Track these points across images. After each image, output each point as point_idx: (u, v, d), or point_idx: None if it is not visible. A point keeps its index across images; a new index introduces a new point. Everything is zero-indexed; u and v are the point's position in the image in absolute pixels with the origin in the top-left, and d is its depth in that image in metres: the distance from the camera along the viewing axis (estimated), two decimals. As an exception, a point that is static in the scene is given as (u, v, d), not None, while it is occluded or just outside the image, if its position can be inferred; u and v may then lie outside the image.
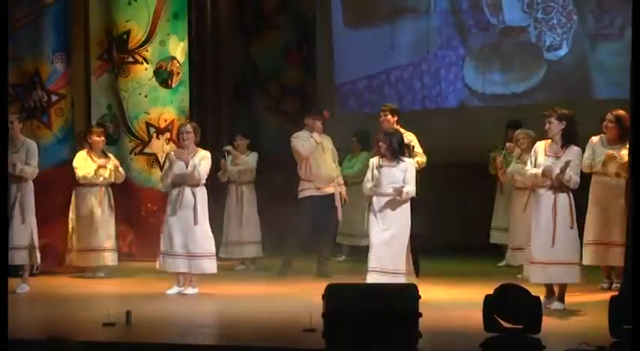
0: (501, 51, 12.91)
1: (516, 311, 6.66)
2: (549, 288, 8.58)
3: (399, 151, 9.20)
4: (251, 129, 12.62)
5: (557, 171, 8.33)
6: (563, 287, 8.52)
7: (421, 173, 9.62)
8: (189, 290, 9.55)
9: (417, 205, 9.35)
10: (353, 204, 11.06)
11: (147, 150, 12.04)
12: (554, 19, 12.76)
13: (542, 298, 7.58)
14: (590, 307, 8.43)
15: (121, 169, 10.84)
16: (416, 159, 9.69)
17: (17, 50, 10.97)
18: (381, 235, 9.06)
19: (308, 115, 10.85)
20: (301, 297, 8.98)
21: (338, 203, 10.75)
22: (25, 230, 9.78)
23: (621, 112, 9.17)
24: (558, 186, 8.40)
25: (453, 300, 9.07)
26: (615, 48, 12.06)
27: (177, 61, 12.01)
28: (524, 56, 12.79)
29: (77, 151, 10.89)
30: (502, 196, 11.41)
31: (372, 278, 8.91)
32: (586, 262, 9.10)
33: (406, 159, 9.28)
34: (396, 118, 10.16)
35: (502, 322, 6.69)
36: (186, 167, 9.39)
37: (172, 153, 9.78)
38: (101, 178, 10.66)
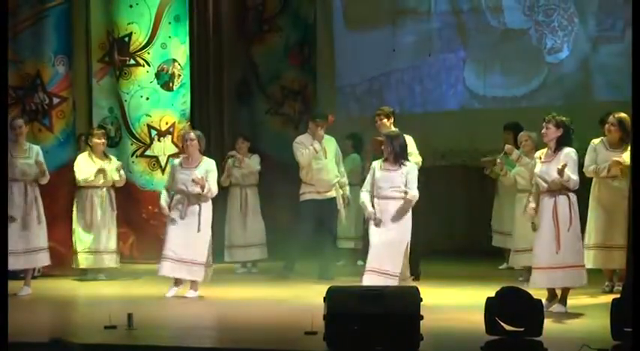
0: (502, 53, 12.91)
1: (518, 314, 6.65)
2: (552, 291, 8.58)
3: (400, 154, 9.22)
4: (252, 131, 12.63)
5: (554, 175, 8.36)
6: (566, 290, 8.52)
7: (421, 176, 9.62)
8: (191, 293, 9.55)
9: (418, 207, 9.34)
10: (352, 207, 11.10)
11: (148, 152, 12.05)
12: (555, 21, 12.77)
13: (544, 300, 7.60)
14: (592, 309, 8.43)
15: (122, 171, 10.83)
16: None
17: (19, 53, 10.98)
18: (381, 237, 9.07)
19: (312, 120, 10.86)
20: (302, 299, 8.99)
21: (341, 207, 10.75)
22: (42, 233, 9.85)
23: (623, 114, 9.18)
24: (557, 189, 8.43)
25: (455, 303, 9.06)
26: (617, 50, 12.06)
27: (179, 64, 12.01)
28: (525, 59, 12.79)
29: (78, 154, 10.90)
30: (500, 199, 11.41)
31: (369, 279, 8.90)
32: (589, 265, 9.10)
33: (407, 163, 9.29)
34: (391, 121, 10.17)
35: (503, 325, 6.69)
36: (202, 190, 9.35)
37: (177, 162, 9.74)
38: (101, 181, 10.67)
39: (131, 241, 11.95)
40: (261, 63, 13.43)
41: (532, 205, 8.57)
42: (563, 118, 8.52)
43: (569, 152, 8.46)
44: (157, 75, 11.98)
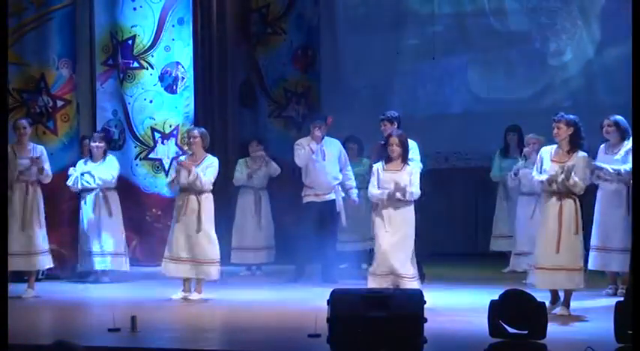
0: (505, 56, 12.91)
1: (521, 317, 6.65)
2: (555, 294, 8.58)
3: (406, 155, 9.26)
4: (256, 134, 12.64)
5: (562, 177, 8.35)
6: (569, 293, 8.53)
7: (423, 179, 9.62)
8: (194, 296, 9.56)
9: (422, 210, 9.35)
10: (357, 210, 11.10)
11: (152, 155, 12.05)
12: (559, 24, 12.77)
13: (547, 303, 7.60)
14: (596, 312, 8.43)
15: (109, 174, 10.73)
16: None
17: (23, 56, 10.99)
18: (389, 239, 9.06)
19: (312, 123, 10.88)
20: (306, 302, 8.98)
21: (341, 209, 10.74)
22: (42, 235, 9.86)
23: (618, 117, 9.26)
24: (564, 192, 8.43)
25: (458, 305, 9.07)
26: (619, 53, 12.05)
27: (183, 67, 12.02)
28: (529, 62, 12.79)
29: (82, 157, 10.94)
30: (505, 204, 11.40)
31: (378, 281, 8.90)
32: (591, 266, 9.12)
33: (410, 163, 9.31)
34: (395, 126, 10.16)
35: (507, 328, 6.68)
36: (188, 174, 9.40)
37: (180, 159, 9.84)
38: (79, 186, 10.63)
39: (135, 243, 11.94)
40: (264, 66, 13.43)
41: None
42: (572, 116, 8.52)
43: (581, 157, 8.44)
44: (161, 78, 11.98)
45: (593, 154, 9.24)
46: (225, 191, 11.39)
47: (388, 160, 9.25)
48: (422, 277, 9.97)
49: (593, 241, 9.30)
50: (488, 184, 11.73)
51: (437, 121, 12.61)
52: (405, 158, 9.23)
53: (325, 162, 10.70)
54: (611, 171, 9.12)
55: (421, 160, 10.21)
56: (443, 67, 13.18)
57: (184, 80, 12.02)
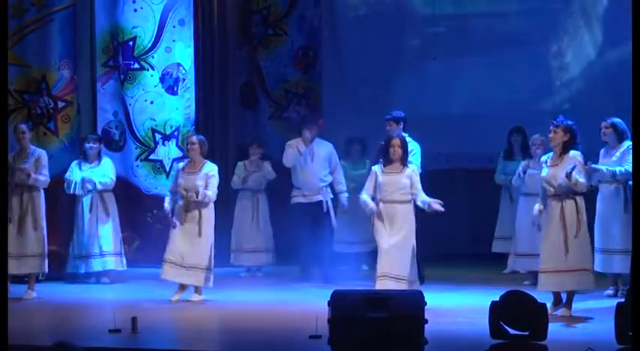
0: (506, 58, 12.89)
1: (522, 318, 6.65)
2: (558, 295, 8.58)
3: (407, 157, 9.28)
4: (256, 135, 12.65)
5: (561, 179, 8.38)
6: (571, 294, 8.53)
7: (425, 181, 9.63)
8: (195, 297, 9.56)
9: (422, 211, 9.35)
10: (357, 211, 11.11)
11: (152, 156, 12.05)
12: (560, 26, 12.76)
13: (548, 304, 7.59)
14: (597, 313, 8.44)
15: (107, 177, 10.71)
16: None
17: (24, 57, 11.02)
18: (390, 241, 9.07)
19: (304, 125, 10.98)
20: (307, 303, 8.98)
21: (330, 210, 10.77)
22: (37, 239, 9.83)
23: (615, 118, 9.33)
24: (564, 193, 8.46)
25: (459, 306, 9.07)
26: (621, 55, 12.04)
27: (183, 68, 12.02)
28: (530, 63, 12.77)
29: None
30: (509, 205, 11.40)
31: (383, 284, 8.89)
32: (598, 268, 9.13)
33: (410, 165, 9.33)
34: (401, 126, 10.19)
35: (508, 329, 6.68)
36: (196, 197, 9.40)
37: (181, 165, 9.80)
38: (79, 192, 10.63)
39: (136, 244, 11.94)
40: (265, 67, 13.43)
41: (539, 206, 8.61)
42: (570, 123, 8.58)
43: (574, 155, 8.48)
44: (162, 79, 11.99)
45: (593, 157, 9.25)
46: (224, 194, 11.39)
47: (388, 162, 9.26)
48: (422, 278, 9.99)
49: (596, 243, 9.30)
50: (489, 185, 11.72)
51: (438, 122, 12.59)
52: (404, 160, 9.24)
53: (313, 163, 10.79)
54: (605, 172, 9.14)
55: (422, 161, 10.21)
56: (444, 68, 13.15)
57: (185, 81, 12.02)
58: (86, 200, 10.71)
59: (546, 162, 8.68)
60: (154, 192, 11.91)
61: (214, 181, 9.59)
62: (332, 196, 10.87)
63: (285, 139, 12.15)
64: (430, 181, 9.79)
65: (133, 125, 12.01)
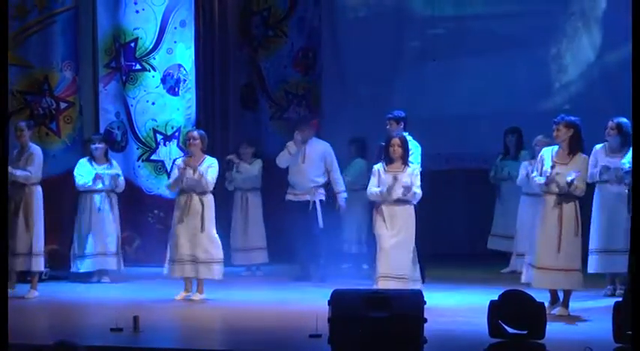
0: (505, 59, 12.89)
1: (521, 317, 6.66)
2: (554, 294, 8.60)
3: (408, 156, 9.28)
4: (257, 135, 12.66)
5: (563, 182, 8.39)
6: (568, 293, 8.54)
7: (424, 180, 9.63)
8: (196, 296, 9.58)
9: (422, 211, 9.35)
10: (351, 210, 11.13)
11: (154, 157, 12.06)
12: (559, 28, 12.76)
13: (546, 304, 7.60)
14: (595, 313, 8.45)
15: (121, 178, 10.79)
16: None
17: (27, 58, 11.03)
18: (390, 241, 9.08)
19: (298, 126, 11.12)
20: (307, 302, 8.99)
21: (317, 211, 10.79)
22: (28, 238, 9.81)
23: (622, 119, 9.25)
24: (564, 194, 8.47)
25: (458, 306, 9.08)
26: (620, 57, 12.04)
27: (184, 69, 12.03)
28: (528, 65, 12.77)
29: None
30: (502, 203, 11.45)
31: (384, 284, 8.89)
32: (592, 269, 9.12)
33: (411, 164, 9.34)
34: (402, 126, 10.21)
35: (507, 328, 6.69)
36: (193, 173, 9.47)
37: (180, 160, 9.89)
38: (99, 186, 10.65)
39: (137, 244, 11.95)
40: (266, 68, 13.43)
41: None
42: (572, 118, 8.59)
43: (583, 160, 8.50)
44: (163, 80, 12.00)
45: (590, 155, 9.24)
46: (224, 194, 11.42)
47: (389, 161, 9.27)
48: (423, 277, 9.99)
49: (595, 244, 9.30)
50: (488, 185, 11.75)
51: (437, 123, 12.59)
52: (405, 159, 9.26)
53: (304, 164, 10.88)
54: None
55: (422, 161, 10.22)
56: (443, 69, 13.16)
57: (186, 82, 12.03)
58: (97, 199, 10.71)
59: (552, 157, 8.61)
60: (156, 192, 11.92)
61: (212, 171, 9.65)
62: (323, 198, 10.88)
63: (285, 139, 12.16)
64: (429, 182, 9.80)
65: (135, 126, 12.02)
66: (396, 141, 9.26)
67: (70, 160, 10.95)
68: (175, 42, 12.00)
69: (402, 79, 13.22)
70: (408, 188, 9.04)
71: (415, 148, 10.17)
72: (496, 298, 6.79)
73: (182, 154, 11.63)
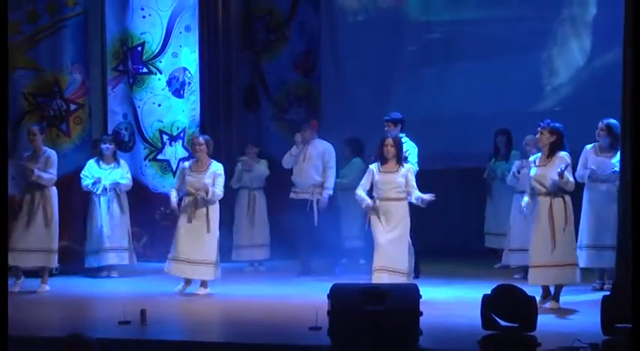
0: (498, 63, 12.90)
1: (513, 310, 6.69)
2: (546, 289, 8.63)
3: (402, 156, 9.31)
4: (259, 136, 12.69)
5: (550, 178, 8.43)
6: (559, 287, 8.57)
7: (420, 179, 9.66)
8: (201, 290, 9.60)
9: (418, 208, 9.38)
10: (350, 209, 11.17)
11: (160, 156, 12.09)
12: (550, 33, 12.78)
13: (537, 297, 7.63)
14: (583, 306, 8.47)
15: (124, 181, 10.79)
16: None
17: (38, 61, 11.06)
18: (386, 237, 9.12)
19: (300, 127, 11.20)
20: (307, 296, 9.01)
21: (313, 209, 10.83)
22: (47, 235, 9.86)
23: (612, 120, 9.29)
24: (554, 192, 8.51)
25: (453, 299, 9.10)
26: (608, 62, 12.04)
27: (189, 72, 12.05)
28: (521, 69, 12.78)
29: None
30: (494, 202, 11.48)
31: (378, 277, 8.94)
32: (582, 264, 9.15)
33: (405, 165, 9.37)
34: (399, 127, 10.24)
35: (499, 321, 6.71)
36: (206, 195, 9.45)
37: (187, 163, 9.86)
38: (99, 191, 10.68)
39: (144, 240, 11.98)
40: (267, 71, 13.46)
41: (527, 199, 8.67)
42: (557, 125, 8.63)
43: (563, 155, 8.53)
44: (169, 83, 12.02)
45: (576, 156, 9.25)
46: (227, 192, 11.43)
47: (384, 161, 9.30)
48: (418, 272, 10.03)
49: (584, 240, 9.33)
50: (481, 184, 11.77)
51: (433, 124, 12.61)
52: (399, 159, 9.28)
53: (305, 163, 10.94)
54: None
55: (418, 161, 10.27)
56: (439, 72, 13.17)
57: (191, 85, 12.06)
58: (104, 198, 10.76)
59: (535, 162, 8.74)
60: (162, 190, 11.94)
61: (221, 180, 9.66)
62: (320, 197, 10.94)
63: (286, 139, 12.23)
64: (425, 181, 9.82)
65: (142, 127, 12.05)
66: (389, 141, 9.29)
67: (80, 159, 10.99)
68: (180, 46, 12.02)
69: (399, 81, 13.24)
70: (424, 202, 9.11)
71: (412, 149, 10.23)
72: (489, 292, 6.82)
73: (187, 154, 11.68)
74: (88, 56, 11.46)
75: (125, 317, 7.84)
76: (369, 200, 9.23)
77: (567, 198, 8.55)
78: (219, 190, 9.59)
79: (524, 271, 9.42)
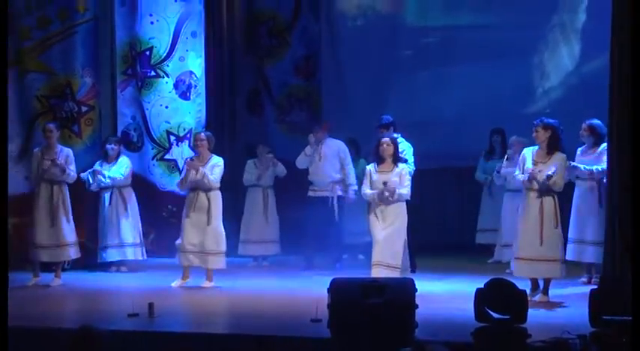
0: (492, 67, 12.93)
1: (504, 303, 6.70)
2: (535, 282, 8.66)
3: (398, 157, 9.35)
4: (262, 137, 12.72)
5: (543, 177, 8.46)
6: (548, 281, 8.61)
7: (417, 178, 9.70)
8: (207, 284, 9.65)
9: (414, 206, 9.43)
10: (352, 207, 11.21)
11: (167, 156, 12.13)
12: (541, 38, 12.81)
13: (528, 291, 7.67)
14: (572, 299, 8.50)
15: (119, 173, 10.80)
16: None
17: (50, 65, 11.11)
18: (383, 233, 9.17)
19: (312, 128, 11.19)
20: (309, 290, 9.04)
21: (334, 206, 10.86)
22: (70, 228, 10.00)
23: (595, 121, 9.37)
24: (544, 190, 8.53)
25: (447, 293, 9.13)
26: (596, 67, 12.07)
27: (195, 76, 12.09)
28: (514, 72, 12.81)
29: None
30: (489, 200, 11.52)
31: (376, 271, 9.02)
32: (569, 257, 9.19)
33: (400, 164, 9.40)
34: (391, 129, 10.30)
35: (491, 313, 6.74)
36: (196, 173, 9.52)
37: (189, 160, 9.97)
38: (95, 185, 10.74)
39: (152, 237, 12.02)
40: (270, 74, 13.49)
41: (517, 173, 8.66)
42: (550, 120, 8.64)
43: (561, 158, 8.55)
44: (176, 86, 12.05)
45: (572, 156, 9.32)
46: (233, 190, 11.50)
47: (380, 161, 9.35)
48: (414, 267, 10.08)
49: (570, 234, 9.38)
50: (474, 182, 11.81)
51: (429, 125, 12.64)
52: (395, 159, 9.32)
53: (320, 162, 10.94)
54: (583, 170, 9.24)
55: (414, 161, 10.31)
56: (435, 76, 13.19)
57: (197, 88, 12.09)
58: (107, 196, 10.82)
59: (532, 156, 8.66)
60: (169, 189, 11.98)
61: (218, 170, 9.70)
62: (340, 194, 10.95)
63: (288, 140, 12.29)
64: (421, 179, 9.86)
65: (150, 128, 12.08)
66: (385, 140, 9.34)
67: (91, 159, 11.03)
68: (187, 51, 12.06)
69: (397, 83, 13.27)
70: (391, 190, 9.13)
71: (407, 149, 10.27)
72: (482, 285, 6.85)
73: (193, 154, 11.72)
74: (98, 60, 11.50)
75: (134, 310, 7.88)
76: (374, 190, 9.24)
77: (557, 198, 8.58)
78: (212, 177, 9.62)
79: (515, 265, 9.45)
